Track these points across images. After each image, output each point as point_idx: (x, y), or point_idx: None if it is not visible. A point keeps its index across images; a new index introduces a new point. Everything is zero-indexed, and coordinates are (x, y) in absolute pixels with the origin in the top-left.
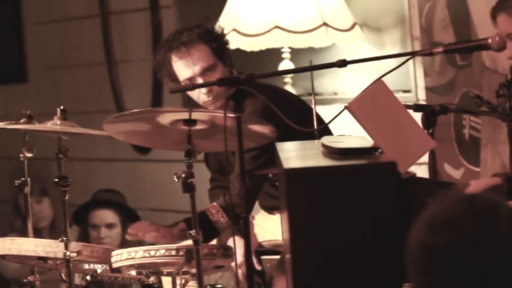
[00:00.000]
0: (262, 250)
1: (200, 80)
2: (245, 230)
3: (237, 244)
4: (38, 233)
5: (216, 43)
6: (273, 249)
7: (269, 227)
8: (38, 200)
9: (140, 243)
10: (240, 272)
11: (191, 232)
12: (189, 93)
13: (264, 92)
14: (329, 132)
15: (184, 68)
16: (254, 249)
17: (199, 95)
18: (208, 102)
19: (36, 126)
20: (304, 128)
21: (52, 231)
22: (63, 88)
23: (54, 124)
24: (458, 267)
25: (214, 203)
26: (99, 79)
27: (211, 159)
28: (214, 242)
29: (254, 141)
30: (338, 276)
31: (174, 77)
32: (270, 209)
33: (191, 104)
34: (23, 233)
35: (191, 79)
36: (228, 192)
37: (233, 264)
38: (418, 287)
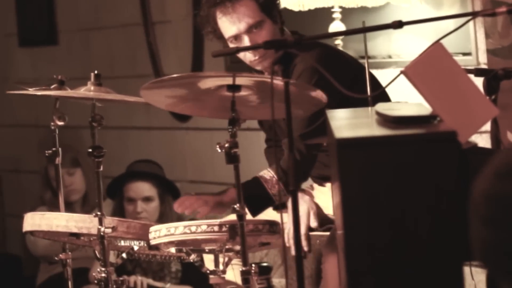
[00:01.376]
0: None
1: (246, 38)
2: (294, 205)
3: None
4: (69, 207)
5: None
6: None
7: (319, 201)
8: (69, 172)
9: (179, 218)
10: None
11: (235, 206)
12: None
13: (316, 52)
14: (386, 98)
15: (229, 24)
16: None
17: (245, 54)
18: (255, 61)
19: (68, 92)
20: (357, 94)
21: (84, 205)
22: (96, 51)
23: (87, 90)
24: None
25: (269, 169)
26: (135, 41)
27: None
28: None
29: (303, 108)
30: (394, 254)
31: (219, 35)
32: (322, 179)
33: (235, 69)
34: (54, 207)
35: (236, 36)
36: (283, 157)
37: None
38: (482, 239)
